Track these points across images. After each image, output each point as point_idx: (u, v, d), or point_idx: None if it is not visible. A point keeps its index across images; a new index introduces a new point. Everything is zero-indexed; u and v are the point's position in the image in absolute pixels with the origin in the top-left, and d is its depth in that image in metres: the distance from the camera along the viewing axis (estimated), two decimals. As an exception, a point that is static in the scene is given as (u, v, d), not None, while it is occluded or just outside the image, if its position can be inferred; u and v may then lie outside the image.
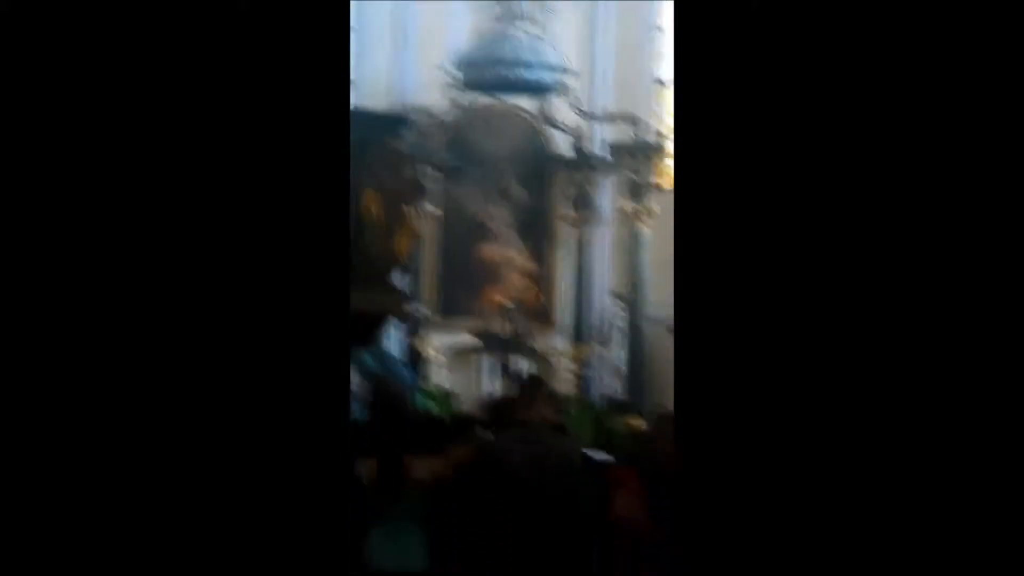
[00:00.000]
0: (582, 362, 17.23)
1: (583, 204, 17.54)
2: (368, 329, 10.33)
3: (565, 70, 17.32)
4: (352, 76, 13.24)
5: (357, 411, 13.64)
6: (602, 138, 17.76)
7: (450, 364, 16.98)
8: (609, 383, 17.37)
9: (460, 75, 17.04)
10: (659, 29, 18.66)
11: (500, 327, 16.76)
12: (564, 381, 16.55)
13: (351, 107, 11.45)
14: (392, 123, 10.36)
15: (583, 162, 17.50)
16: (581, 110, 17.54)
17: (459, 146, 17.28)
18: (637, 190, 17.36)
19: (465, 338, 17.09)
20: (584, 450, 7.18)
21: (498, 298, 17.27)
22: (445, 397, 15.44)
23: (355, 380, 14.60)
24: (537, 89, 17.29)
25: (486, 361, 16.70)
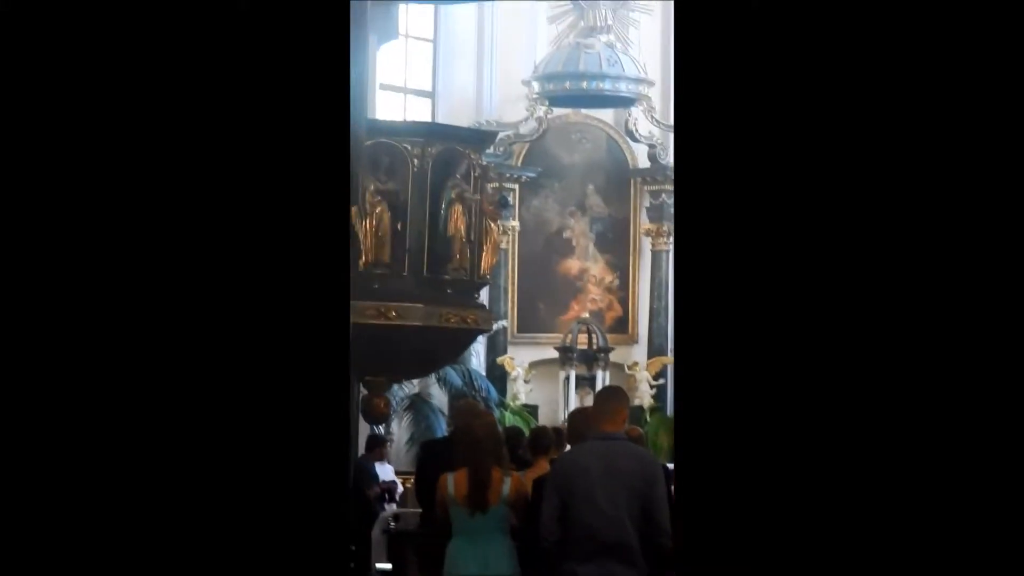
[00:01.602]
0: (660, 373, 17.14)
1: (662, 216, 17.42)
2: (454, 346, 10.34)
3: (643, 81, 17.26)
4: (435, 91, 13.40)
5: (442, 426, 13.85)
6: None
7: (531, 378, 16.92)
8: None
9: (540, 88, 17.04)
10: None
11: (580, 340, 16.73)
12: (642, 393, 16.56)
13: (436, 123, 11.60)
14: (476, 138, 10.39)
15: (661, 173, 17.38)
16: (659, 121, 17.46)
17: (539, 159, 17.26)
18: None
19: (546, 352, 17.08)
20: (663, 462, 7.18)
21: (579, 311, 17.25)
22: (526, 411, 15.51)
23: (440, 397, 14.80)
24: (615, 101, 17.31)
25: (566, 374, 16.64)
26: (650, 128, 17.49)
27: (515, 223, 16.73)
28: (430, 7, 16.90)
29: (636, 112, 17.36)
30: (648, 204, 17.61)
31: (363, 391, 9.33)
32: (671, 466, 7.41)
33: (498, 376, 16.26)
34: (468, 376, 15.10)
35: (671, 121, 17.50)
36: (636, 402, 15.50)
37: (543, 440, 7.79)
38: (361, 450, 10.53)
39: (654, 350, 17.37)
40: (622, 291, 17.75)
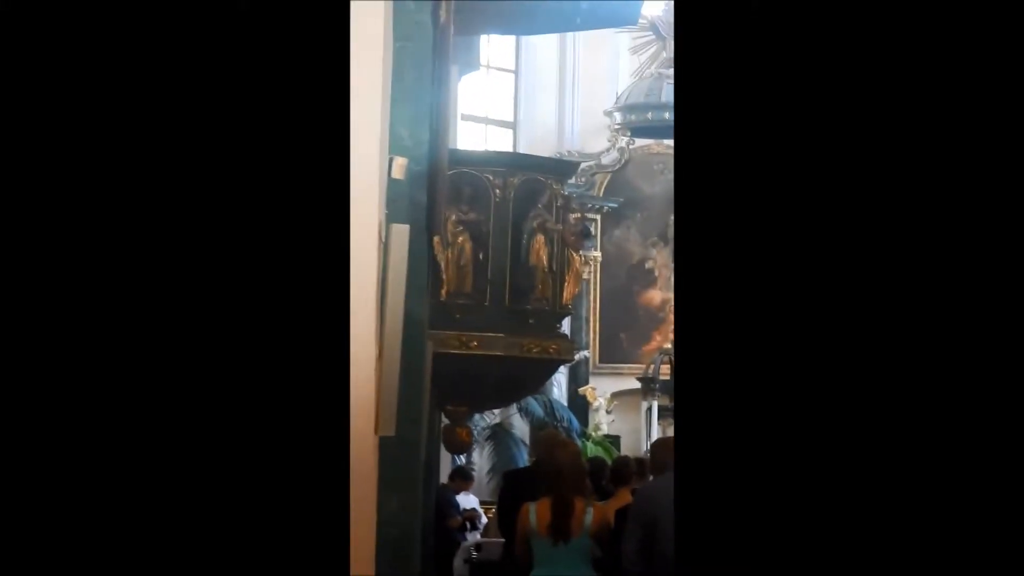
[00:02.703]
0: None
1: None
2: (536, 377, 10.33)
3: None
4: (516, 121, 13.44)
5: (523, 456, 13.84)
6: None
7: (614, 409, 16.91)
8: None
9: (622, 119, 17.13)
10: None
11: (662, 371, 16.68)
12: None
13: (518, 153, 11.60)
14: (558, 169, 10.40)
15: None
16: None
17: (621, 190, 17.33)
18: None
19: (628, 382, 17.09)
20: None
21: (660, 342, 17.26)
22: (608, 442, 15.49)
23: (522, 427, 14.79)
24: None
25: (649, 404, 16.62)
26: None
27: (597, 254, 16.78)
28: (512, 38, 16.99)
29: (718, 142, 17.26)
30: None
31: (445, 421, 9.37)
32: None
33: (580, 406, 16.26)
34: (550, 406, 15.09)
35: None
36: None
37: (625, 471, 7.79)
38: (444, 480, 10.57)
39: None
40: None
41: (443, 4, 6.40)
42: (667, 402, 16.24)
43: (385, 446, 4.97)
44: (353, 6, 3.70)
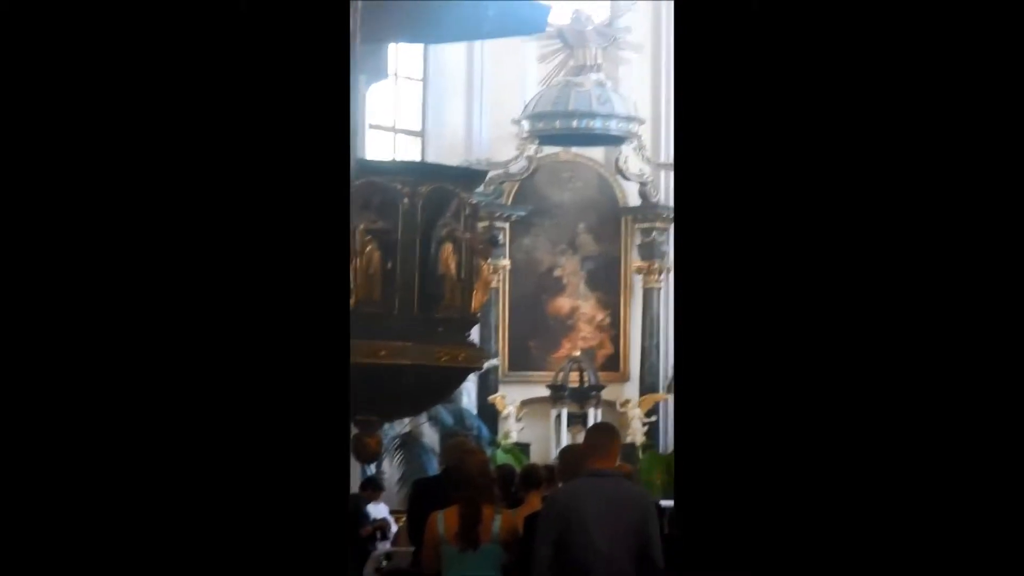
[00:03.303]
0: (652, 411, 17.11)
1: (652, 253, 17.49)
2: (445, 385, 10.32)
3: (634, 119, 17.29)
4: (424, 130, 13.43)
5: (433, 464, 13.83)
6: (670, 187, 17.33)
7: (523, 416, 16.83)
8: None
9: (530, 127, 17.08)
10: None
11: (571, 379, 16.70)
12: (634, 430, 16.49)
13: (426, 162, 11.63)
14: (466, 178, 10.43)
15: (651, 211, 17.48)
16: (649, 159, 17.51)
17: (529, 198, 17.31)
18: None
19: (537, 390, 17.04)
20: (655, 498, 7.17)
21: (570, 350, 17.22)
22: (518, 449, 15.47)
23: (431, 435, 14.77)
24: (606, 139, 17.36)
25: (558, 412, 16.60)
26: (641, 166, 17.50)
27: (506, 262, 16.74)
28: (420, 47, 16.95)
29: (627, 150, 17.39)
30: (639, 242, 17.66)
31: (354, 430, 9.33)
32: (664, 503, 7.44)
33: (489, 414, 16.24)
34: (459, 415, 15.09)
35: (662, 159, 17.67)
36: (628, 439, 15.47)
37: (534, 477, 7.78)
38: (354, 489, 10.53)
39: (646, 387, 17.37)
40: (613, 329, 17.78)
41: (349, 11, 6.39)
42: (576, 409, 16.32)
43: None
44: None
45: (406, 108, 18.02)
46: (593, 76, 17.13)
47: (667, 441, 17.05)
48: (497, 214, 16.33)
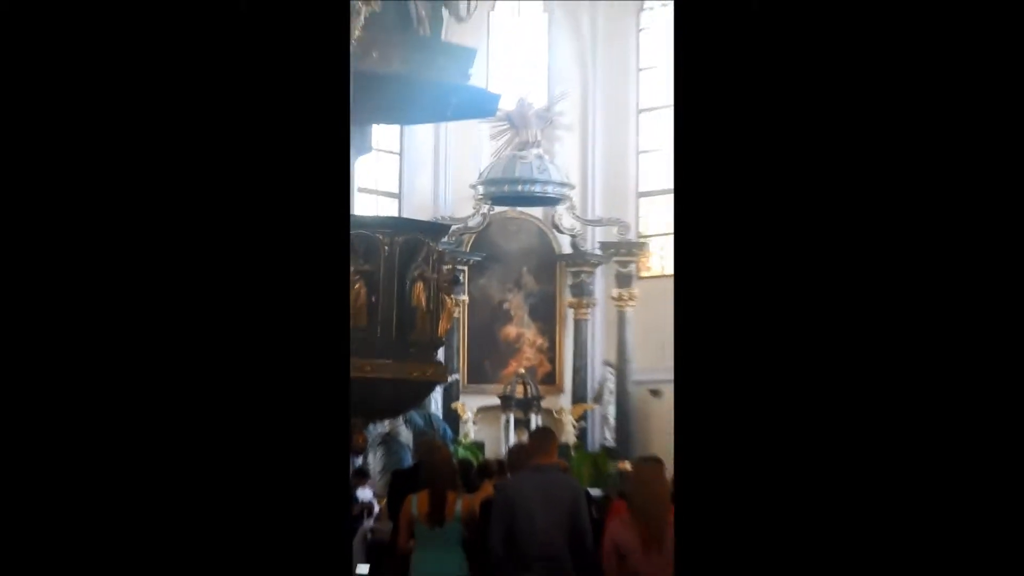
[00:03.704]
0: (582, 417, 17.08)
1: (581, 291, 17.50)
2: (417, 395, 10.31)
3: (566, 184, 17.34)
4: (400, 192, 13.37)
5: (408, 458, 13.76)
6: (596, 238, 17.75)
7: (479, 420, 16.81)
8: (602, 434, 17.28)
9: (484, 190, 17.10)
10: (641, 152, 18.87)
11: (517, 390, 16.61)
12: (567, 432, 16.45)
13: (402, 217, 11.59)
14: (434, 230, 10.41)
15: (581, 258, 17.51)
16: (579, 216, 17.62)
17: (484, 246, 17.29)
18: (623, 279, 17.37)
19: (490, 400, 16.96)
20: (584, 488, 7.17)
21: (516, 367, 17.15)
22: (474, 448, 15.40)
23: (406, 434, 14.72)
24: (544, 201, 17.35)
25: (507, 417, 16.48)
26: (572, 222, 17.57)
27: (465, 297, 16.73)
28: (396, 127, 16.99)
29: (561, 209, 17.48)
30: (571, 282, 17.64)
31: (354, 430, 9.32)
32: (592, 491, 7.44)
33: (452, 418, 16.10)
34: (428, 418, 14.90)
35: (589, 216, 17.77)
36: (563, 440, 15.41)
37: (488, 469, 7.84)
38: (343, 479, 10.47)
39: (576, 398, 17.33)
40: (550, 351, 17.75)
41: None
42: (521, 415, 16.19)
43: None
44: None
45: (386, 175, 18.00)
46: (534, 151, 17.18)
47: (594, 441, 17.05)
48: (458, 259, 16.25)
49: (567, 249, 17.67)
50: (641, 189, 19.00)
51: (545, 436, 6.53)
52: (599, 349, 17.85)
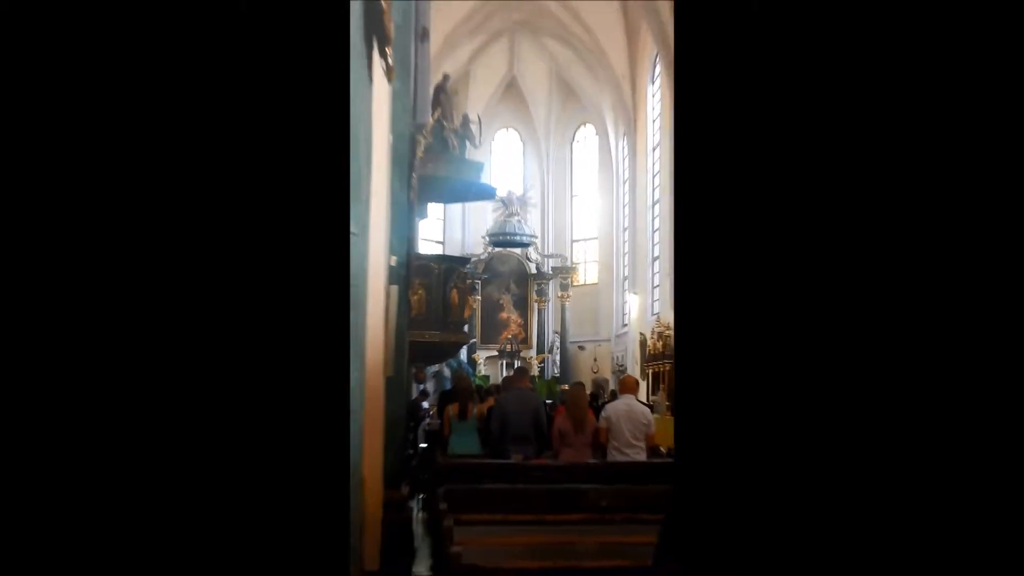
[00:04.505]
0: (541, 361, 17.14)
1: (542, 294, 17.51)
2: (453, 350, 10.33)
3: (534, 236, 17.39)
4: (444, 240, 13.24)
5: (448, 384, 13.80)
6: (549, 265, 17.77)
7: (486, 364, 16.83)
8: (552, 370, 17.33)
9: (489, 239, 17.09)
10: (574, 217, 18.95)
11: (507, 347, 16.78)
12: (534, 369, 16.52)
13: (443, 254, 11.54)
14: (461, 261, 10.44)
15: (541, 276, 17.51)
16: (540, 253, 17.67)
17: (488, 270, 17.25)
18: (563, 287, 17.53)
19: (492, 352, 17.01)
20: (542, 399, 7.23)
21: (506, 334, 17.24)
22: (484, 378, 15.42)
23: (447, 372, 14.75)
24: (521, 244, 17.31)
25: (502, 362, 16.59)
26: (536, 256, 17.57)
27: (478, 297, 16.76)
28: (441, 204, 17.06)
29: (530, 250, 17.45)
30: (535, 289, 17.56)
31: (413, 368, 9.34)
32: (546, 401, 7.50)
33: (472, 363, 16.20)
34: (459, 363, 15.06)
35: (545, 253, 17.86)
36: (532, 374, 15.46)
37: (490, 391, 7.85)
38: (414, 396, 10.52)
39: (539, 351, 17.30)
40: (524, 327, 17.70)
41: (412, 188, 6.42)
42: (509, 360, 16.24)
43: (389, 382, 4.85)
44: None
45: (435, 231, 18.07)
46: (515, 217, 17.23)
47: (548, 374, 17.02)
48: (474, 277, 16.31)
49: (534, 271, 17.64)
50: (573, 238, 19.19)
51: (522, 372, 6.59)
52: (550, 324, 17.81)
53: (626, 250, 17.22)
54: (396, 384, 5.09)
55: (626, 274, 17.20)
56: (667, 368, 12.96)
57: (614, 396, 7.17)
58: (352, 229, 2.17)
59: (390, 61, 3.89)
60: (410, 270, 6.66)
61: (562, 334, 17.64)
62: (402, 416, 5.79)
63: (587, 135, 19.11)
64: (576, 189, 19.48)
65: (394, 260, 5.19)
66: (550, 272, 17.69)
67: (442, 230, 18.56)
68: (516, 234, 17.09)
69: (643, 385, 13.05)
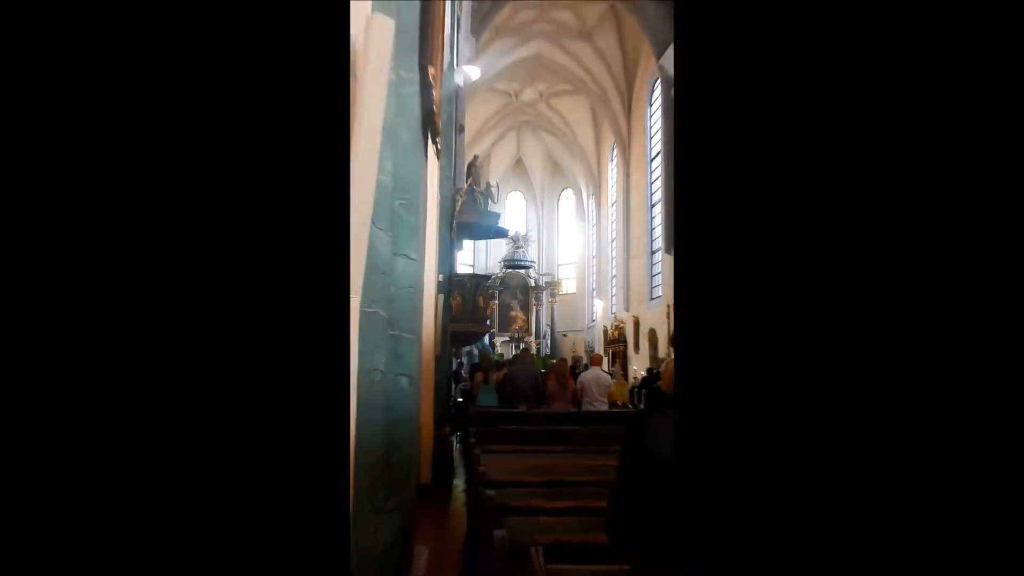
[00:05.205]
0: (538, 344, 16.93)
1: (538, 299, 17.32)
2: (479, 336, 10.30)
3: (533, 261, 17.21)
4: (473, 264, 13.15)
5: (476, 359, 13.71)
6: (543, 281, 17.57)
7: (502, 346, 16.51)
8: (546, 350, 17.28)
9: (504, 264, 16.89)
10: (560, 248, 18.90)
11: (515, 335, 16.62)
12: (533, 349, 16.38)
13: (474, 273, 11.43)
14: (486, 278, 10.40)
15: (538, 288, 17.30)
16: (537, 272, 17.45)
17: (503, 283, 17.03)
18: (553, 295, 17.43)
19: (506, 338, 16.75)
20: (539, 369, 7.21)
21: (515, 326, 17.04)
22: (500, 355, 15.13)
23: (475, 351, 14.65)
24: (525, 267, 17.12)
25: (513, 345, 16.33)
26: (535, 275, 17.35)
27: (496, 302, 16.63)
28: (471, 240, 16.96)
29: (531, 271, 17.24)
30: (534, 296, 17.41)
31: (453, 349, 9.31)
32: (541, 371, 7.45)
33: (492, 345, 16.05)
34: (484, 344, 14.98)
35: (541, 271, 17.77)
36: (532, 353, 15.38)
37: (504, 363, 7.78)
38: (453, 367, 10.47)
39: (537, 337, 17.08)
40: (527, 321, 17.56)
41: (453, 229, 6.43)
42: (516, 344, 16.11)
43: (438, 359, 4.83)
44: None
45: (467, 257, 18.03)
46: (520, 249, 17.12)
47: (542, 352, 16.92)
48: (494, 288, 16.23)
49: (533, 284, 17.44)
50: (559, 262, 19.14)
51: (525, 351, 6.62)
52: (544, 320, 17.69)
53: (594, 270, 17.33)
54: (442, 360, 5.11)
55: (594, 286, 17.29)
56: (620, 349, 13.58)
57: (586, 367, 7.14)
58: (411, 256, 2.29)
59: (439, 146, 4.22)
60: (451, 284, 6.68)
61: (551, 326, 17.58)
62: (446, 380, 5.76)
63: (568, 195, 19.35)
64: (560, 231, 19.60)
65: (440, 277, 5.20)
66: (543, 285, 17.63)
67: (472, 257, 18.58)
68: (521, 260, 17.02)
69: (605, 360, 13.17)
